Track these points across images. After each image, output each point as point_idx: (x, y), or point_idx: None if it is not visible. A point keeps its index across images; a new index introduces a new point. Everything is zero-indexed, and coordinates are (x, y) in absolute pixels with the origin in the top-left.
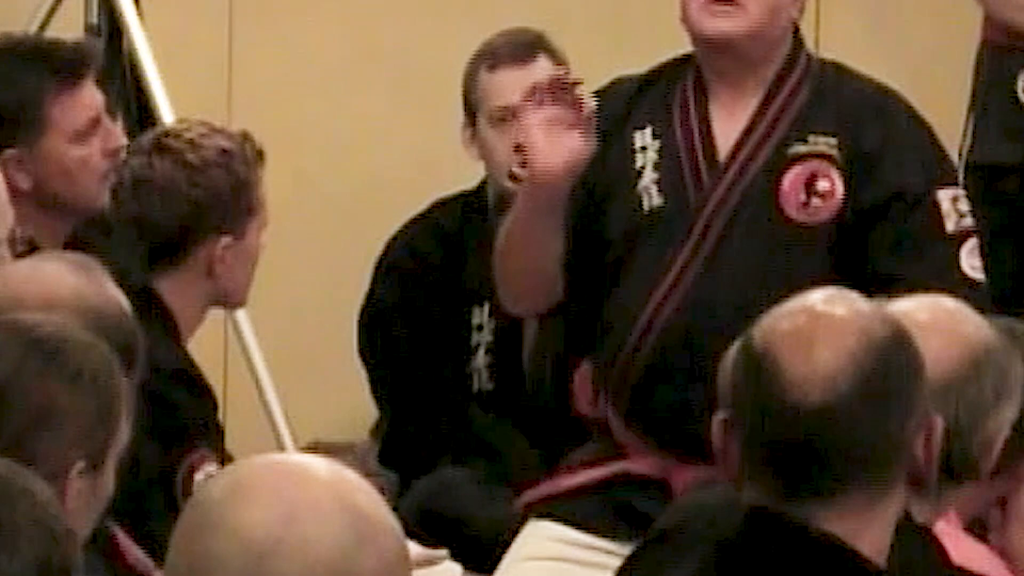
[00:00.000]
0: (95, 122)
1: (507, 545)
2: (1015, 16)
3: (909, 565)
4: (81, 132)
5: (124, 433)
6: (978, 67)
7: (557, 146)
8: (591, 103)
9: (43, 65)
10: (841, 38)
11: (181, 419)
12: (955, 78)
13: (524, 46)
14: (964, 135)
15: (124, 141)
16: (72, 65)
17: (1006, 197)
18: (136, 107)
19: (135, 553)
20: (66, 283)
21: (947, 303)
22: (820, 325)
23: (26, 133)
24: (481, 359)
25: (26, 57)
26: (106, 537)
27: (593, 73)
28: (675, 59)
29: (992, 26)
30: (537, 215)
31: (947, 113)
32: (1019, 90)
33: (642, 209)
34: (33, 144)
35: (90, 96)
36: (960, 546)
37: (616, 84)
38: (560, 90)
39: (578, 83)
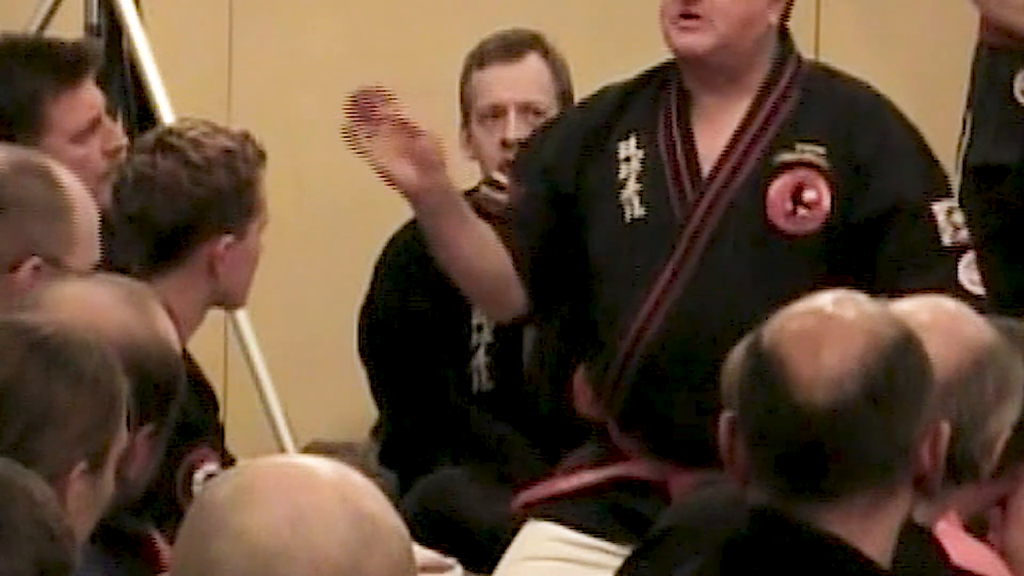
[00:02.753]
0: (95, 122)
1: (507, 545)
2: (1011, 17)
3: (909, 566)
4: (81, 132)
5: (124, 434)
6: (975, 68)
7: (398, 154)
8: (389, 103)
9: (43, 65)
10: (840, 39)
11: (182, 418)
12: (953, 79)
13: (513, 44)
14: (962, 136)
15: (124, 141)
16: (72, 65)
17: (1004, 197)
18: (136, 107)
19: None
20: (115, 315)
21: (948, 304)
22: (828, 327)
23: (26, 133)
24: (481, 359)
25: (26, 57)
26: (143, 540)
27: (591, 73)
28: (660, 66)
29: (989, 27)
30: (435, 220)
31: (945, 114)
32: (1016, 91)
33: (624, 220)
34: (33, 144)
35: (90, 96)
36: (960, 546)
37: (601, 94)
38: (368, 103)
39: (380, 90)
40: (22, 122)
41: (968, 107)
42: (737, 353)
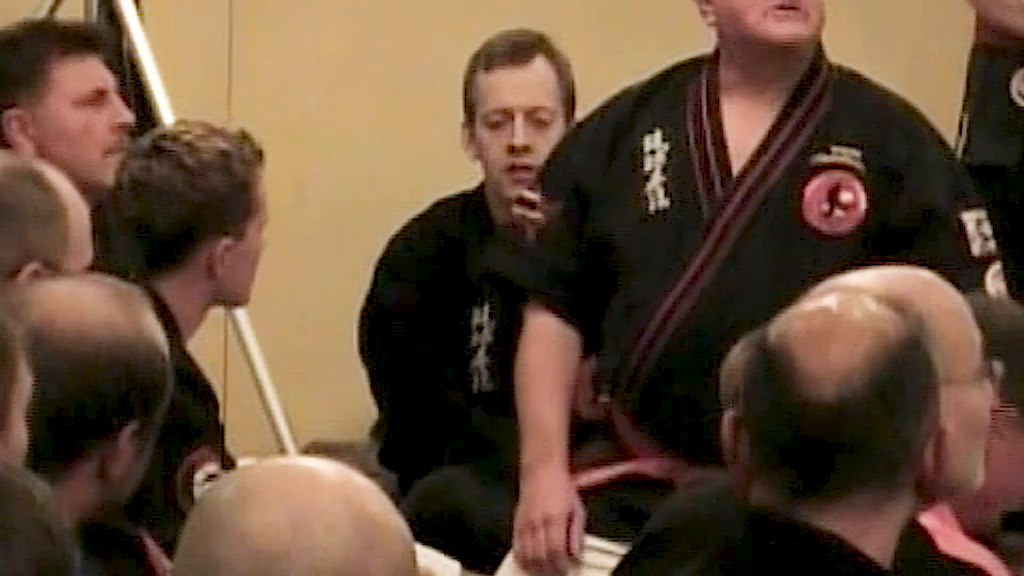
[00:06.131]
0: (100, 93)
1: (507, 545)
2: (1005, 17)
3: (894, 553)
4: (85, 98)
5: (27, 381)
6: (971, 69)
7: None
8: None
9: (50, 32)
10: (839, 40)
11: (182, 419)
12: (951, 80)
13: (521, 47)
14: (958, 138)
15: (132, 118)
16: (80, 37)
17: (1001, 199)
18: (136, 107)
19: (161, 560)
20: (101, 312)
21: (898, 272)
22: (836, 325)
23: (29, 92)
24: (481, 359)
25: (35, 26)
26: (134, 541)
27: (593, 73)
28: (686, 62)
29: (984, 28)
30: None
31: (942, 115)
32: (1013, 92)
33: (647, 211)
34: (35, 104)
35: (98, 69)
36: (957, 545)
37: (622, 95)
38: None
39: None
40: (26, 81)
41: (964, 109)
42: (737, 353)
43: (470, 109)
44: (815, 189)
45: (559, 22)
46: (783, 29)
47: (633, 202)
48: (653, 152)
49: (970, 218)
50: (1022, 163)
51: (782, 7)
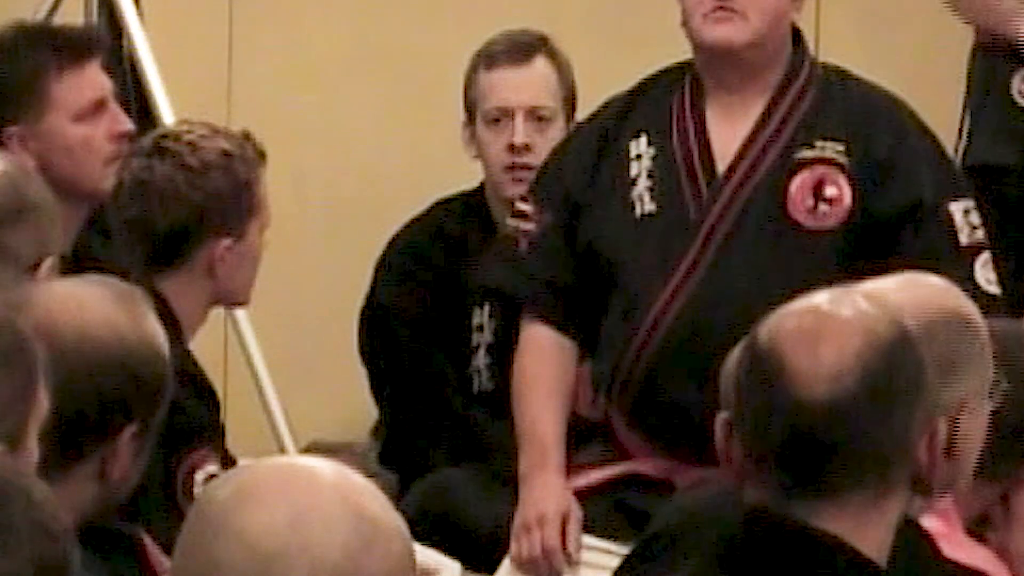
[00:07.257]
0: (100, 104)
1: (507, 545)
2: (999, 24)
3: (898, 557)
4: (85, 111)
5: (44, 402)
6: (971, 69)
7: None
8: None
9: (48, 43)
10: (840, 40)
11: (183, 419)
12: (950, 82)
13: (522, 47)
14: (959, 139)
15: (131, 126)
16: (77, 45)
17: (1002, 198)
18: (136, 107)
19: (160, 559)
20: (103, 313)
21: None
22: (826, 324)
23: (28, 110)
24: (481, 359)
25: (32, 36)
26: (133, 541)
27: (593, 73)
28: (671, 67)
29: (984, 30)
30: None
31: (943, 115)
32: (1014, 91)
33: (634, 215)
34: (36, 121)
35: (96, 77)
36: (959, 548)
37: (608, 102)
38: None
39: None
40: (25, 99)
41: (964, 109)
42: (733, 355)
43: (471, 108)
44: (799, 185)
45: (560, 22)
46: (715, 32)
47: (621, 207)
48: (639, 157)
49: (957, 208)
50: (1022, 163)
51: (718, 9)
